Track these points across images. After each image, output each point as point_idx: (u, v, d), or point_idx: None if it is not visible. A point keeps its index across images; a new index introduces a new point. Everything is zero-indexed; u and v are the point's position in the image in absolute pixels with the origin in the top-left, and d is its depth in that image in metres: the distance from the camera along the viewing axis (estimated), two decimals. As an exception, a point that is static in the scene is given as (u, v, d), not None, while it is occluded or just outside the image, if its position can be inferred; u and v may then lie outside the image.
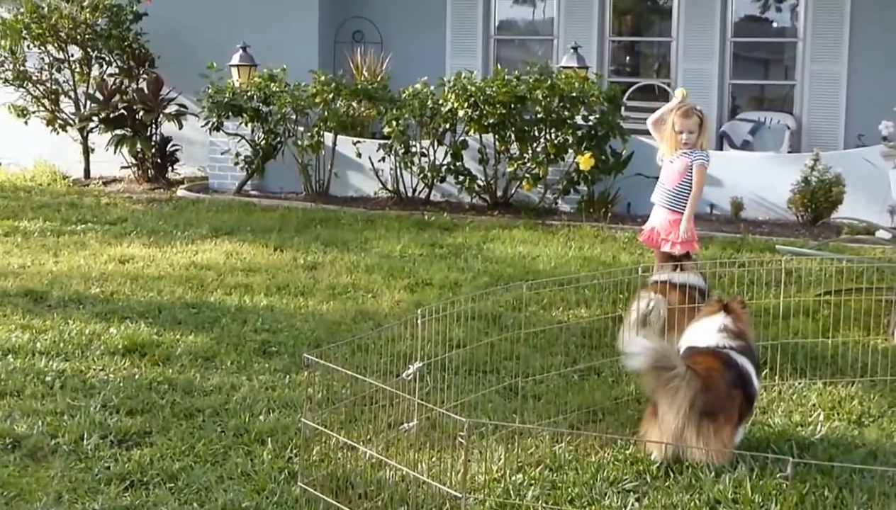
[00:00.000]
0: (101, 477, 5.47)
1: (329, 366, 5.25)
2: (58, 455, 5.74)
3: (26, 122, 17.36)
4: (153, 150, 16.92)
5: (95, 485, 5.37)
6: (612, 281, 8.73)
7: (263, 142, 15.34)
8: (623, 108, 15.02)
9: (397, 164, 14.52)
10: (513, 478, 5.57)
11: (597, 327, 7.79)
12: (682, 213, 8.38)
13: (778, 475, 5.41)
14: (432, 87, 14.20)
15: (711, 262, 9.26)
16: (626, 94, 16.30)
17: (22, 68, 17.36)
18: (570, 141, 13.55)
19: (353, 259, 10.96)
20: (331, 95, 14.73)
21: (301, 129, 15.07)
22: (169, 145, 17.07)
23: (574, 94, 13.49)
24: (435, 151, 14.31)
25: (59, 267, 10.41)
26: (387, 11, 17.81)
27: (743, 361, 5.96)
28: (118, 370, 7.17)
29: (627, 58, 18.38)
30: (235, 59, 16.01)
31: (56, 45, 17.28)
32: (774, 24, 17.46)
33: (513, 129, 13.87)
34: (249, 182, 15.77)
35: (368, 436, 5.71)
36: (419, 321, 5.78)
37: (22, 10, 16.92)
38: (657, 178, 8.60)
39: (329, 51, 17.71)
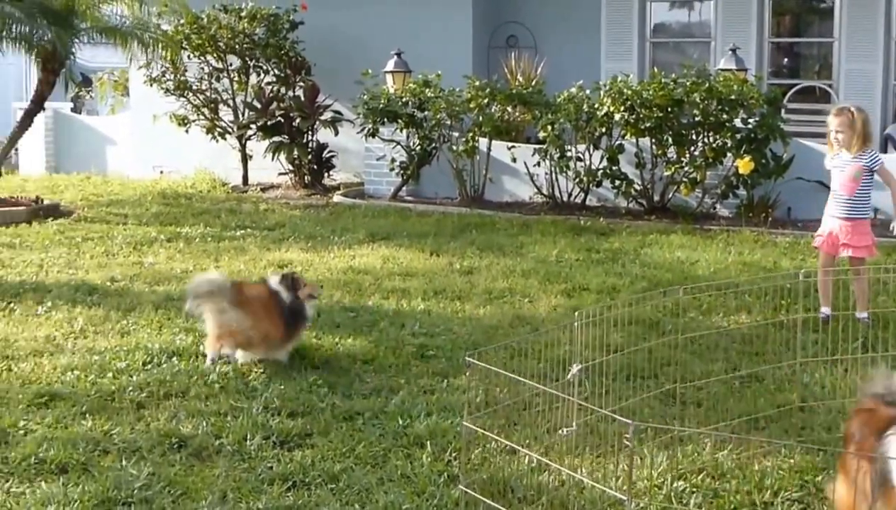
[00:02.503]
0: (265, 477, 5.53)
1: (491, 368, 5.22)
2: (222, 455, 5.83)
3: (187, 131, 17.78)
4: (309, 157, 17.14)
5: (259, 485, 5.43)
6: (774, 286, 8.55)
7: (418, 147, 15.43)
8: (783, 111, 14.71)
9: (552, 169, 14.46)
10: (674, 484, 5.47)
11: (758, 333, 7.63)
12: (863, 219, 8.35)
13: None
14: (588, 91, 14.11)
15: (875, 268, 9.00)
16: (787, 97, 15.97)
17: (182, 78, 17.79)
18: (729, 144, 13.31)
19: (508, 264, 10.94)
20: (485, 100, 14.75)
21: (456, 134, 15.11)
22: (325, 152, 17.29)
23: (733, 97, 13.25)
24: (591, 156, 14.20)
25: (220, 271, 10.58)
26: (541, 16, 17.75)
27: None
28: (279, 372, 7.25)
29: (787, 59, 17.99)
30: (390, 66, 16.14)
31: (215, 54, 17.67)
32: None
33: (670, 132, 13.70)
34: (404, 187, 15.88)
35: (527, 441, 5.67)
36: (577, 325, 5.72)
37: (182, 21, 17.31)
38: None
39: (483, 56, 17.73)
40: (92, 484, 5.38)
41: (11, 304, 9.17)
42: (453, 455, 5.79)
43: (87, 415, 6.38)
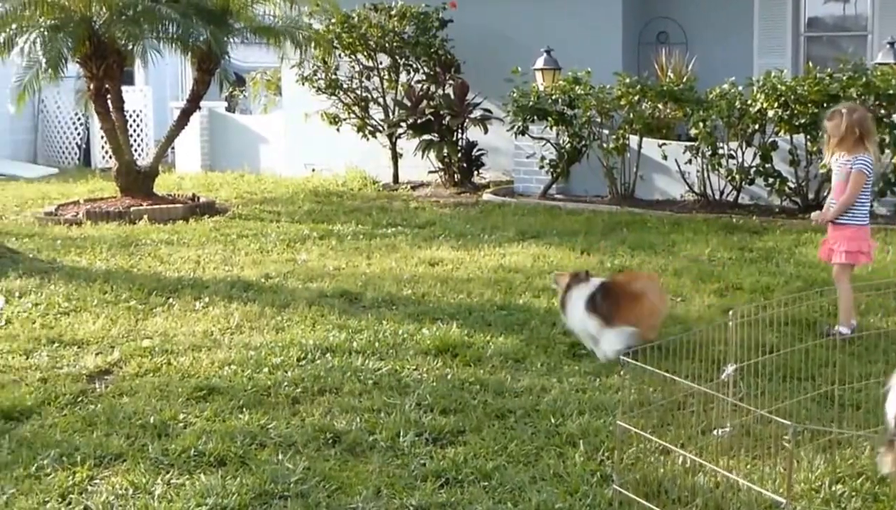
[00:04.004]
0: (417, 473, 5.56)
1: (646, 368, 5.17)
2: (375, 451, 5.88)
3: (338, 129, 18.02)
4: (459, 155, 17.20)
5: (412, 482, 5.46)
6: (936, 286, 8.33)
7: (568, 145, 15.38)
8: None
9: (704, 167, 14.28)
10: (833, 488, 5.35)
11: (920, 334, 7.43)
12: (851, 225, 8.14)
13: None
14: (740, 88, 13.90)
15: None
16: (948, 91, 15.48)
17: (333, 77, 18.02)
18: (888, 140, 12.96)
19: (660, 262, 10.84)
20: (636, 97, 14.64)
21: (606, 131, 15.03)
22: (474, 150, 17.34)
23: (891, 92, 12.92)
24: (743, 153, 13.99)
25: (371, 269, 10.71)
26: (692, 12, 17.53)
27: None
28: (431, 370, 7.30)
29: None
30: (540, 63, 16.13)
31: (365, 53, 17.86)
32: None
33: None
34: (554, 185, 15.84)
35: (681, 441, 5.61)
36: (732, 324, 5.63)
37: (333, 20, 17.53)
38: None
39: (633, 52, 17.59)
40: (249, 477, 5.48)
41: (170, 300, 9.40)
42: (606, 454, 5.75)
43: (244, 410, 6.51)
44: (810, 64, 14.77)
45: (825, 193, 13.53)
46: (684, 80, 15.38)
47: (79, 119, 24.61)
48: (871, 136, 8.24)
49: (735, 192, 14.28)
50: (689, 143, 14.43)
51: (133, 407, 6.56)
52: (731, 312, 5.71)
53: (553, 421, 6.28)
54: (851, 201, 8.17)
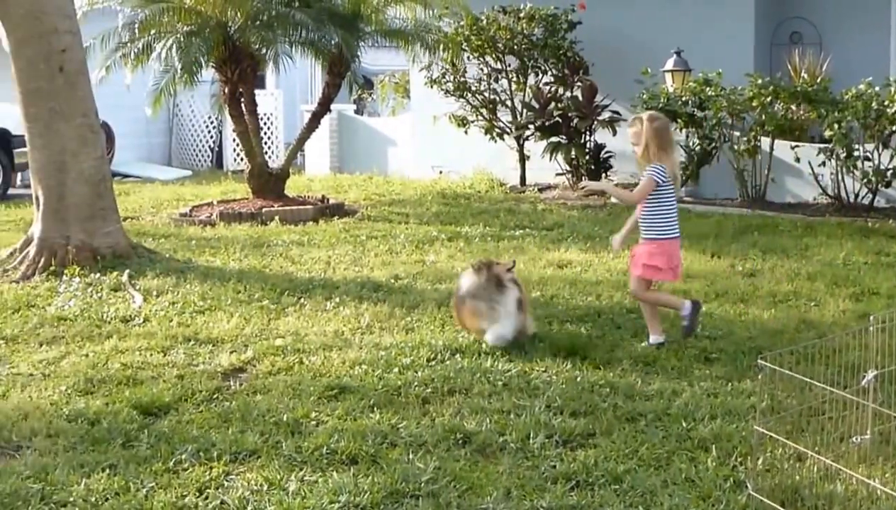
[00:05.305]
0: (548, 475, 5.54)
1: (784, 372, 5.10)
2: (506, 452, 5.88)
3: (466, 132, 18.07)
4: (587, 157, 17.12)
5: (542, 484, 5.45)
6: None
7: (698, 147, 15.23)
8: None
9: (838, 169, 14.03)
10: (976, 499, 5.22)
11: None
12: (655, 240, 7.97)
13: None
14: (877, 88, 13.62)
15: None
16: None
17: (462, 79, 18.08)
18: None
19: (793, 266, 10.67)
20: (768, 99, 14.43)
21: (737, 133, 14.84)
22: (602, 152, 17.23)
23: None
24: (879, 155, 13.70)
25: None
26: (826, 11, 17.22)
27: None
28: (560, 372, 7.27)
29: None
30: (669, 65, 16.01)
31: (494, 55, 17.89)
32: None
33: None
34: (683, 188, 15.68)
35: (816, 448, 5.51)
36: (870, 330, 5.52)
37: (462, 23, 17.59)
38: None
39: (765, 53, 17.34)
40: (381, 475, 5.52)
41: (301, 300, 9.52)
42: (739, 460, 5.68)
43: (375, 409, 6.56)
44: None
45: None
46: (818, 80, 15.11)
47: (212, 122, 25.13)
48: (671, 147, 8.01)
49: (870, 195, 14.00)
50: (822, 145, 14.17)
51: (266, 404, 6.66)
52: (871, 318, 5.60)
53: (684, 425, 6.22)
54: (634, 201, 8.08)
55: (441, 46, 16.86)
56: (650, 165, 7.87)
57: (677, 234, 8.10)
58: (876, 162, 13.72)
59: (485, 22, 17.59)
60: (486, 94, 18.17)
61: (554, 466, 5.67)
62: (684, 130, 15.21)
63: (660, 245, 8.00)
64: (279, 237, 13.05)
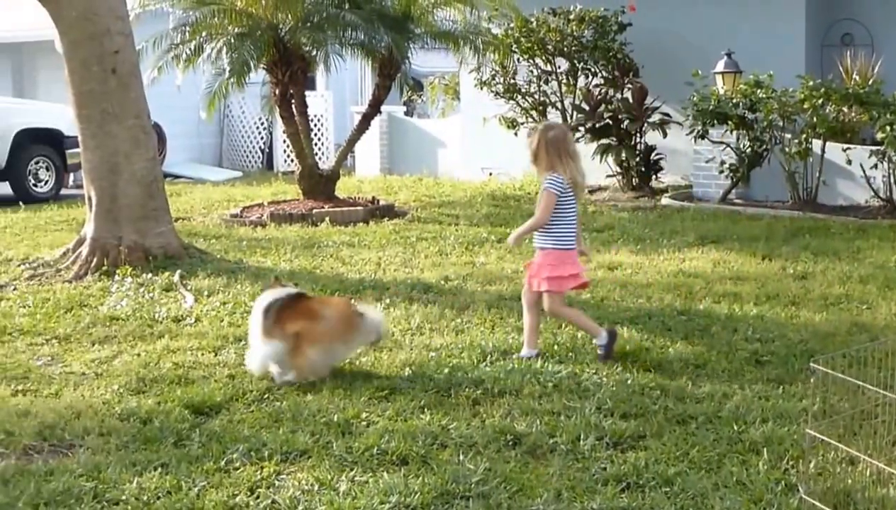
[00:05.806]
0: (598, 477, 5.54)
1: (836, 375, 5.07)
2: (556, 454, 5.88)
3: (515, 134, 18.06)
4: (637, 159, 17.09)
5: (593, 485, 5.45)
6: None
7: (748, 149, 15.16)
8: None
9: (890, 171, 13.91)
10: None
11: None
12: (544, 250, 7.76)
13: None
14: (931, 90, 13.52)
15: None
16: None
17: (512, 81, 18.09)
18: None
19: (845, 269, 10.59)
20: (820, 101, 14.31)
21: (788, 135, 14.75)
22: (653, 154, 17.20)
23: None
24: (933, 158, 13.59)
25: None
26: (879, 13, 17.07)
27: None
28: (611, 374, 7.26)
29: None
30: (720, 67, 15.94)
31: (543, 57, 17.87)
32: None
33: None
34: (734, 190, 15.62)
35: (868, 452, 5.47)
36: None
37: (512, 25, 17.59)
38: None
39: (816, 55, 17.21)
40: (431, 476, 5.54)
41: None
42: (790, 463, 5.66)
43: (425, 410, 6.58)
44: None
45: None
46: (870, 82, 14.98)
47: (262, 123, 25.27)
48: (567, 156, 7.76)
49: (924, 198, 13.89)
50: (874, 148, 14.05)
51: (317, 404, 6.70)
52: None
53: (735, 428, 6.19)
54: (542, 221, 7.73)
55: (491, 48, 16.87)
56: (546, 176, 7.74)
57: (574, 247, 7.85)
58: (930, 164, 13.61)
59: (534, 24, 17.57)
60: (536, 96, 18.16)
61: (604, 468, 5.66)
62: (734, 132, 15.14)
63: (558, 256, 7.78)
64: (329, 238, 13.11)
